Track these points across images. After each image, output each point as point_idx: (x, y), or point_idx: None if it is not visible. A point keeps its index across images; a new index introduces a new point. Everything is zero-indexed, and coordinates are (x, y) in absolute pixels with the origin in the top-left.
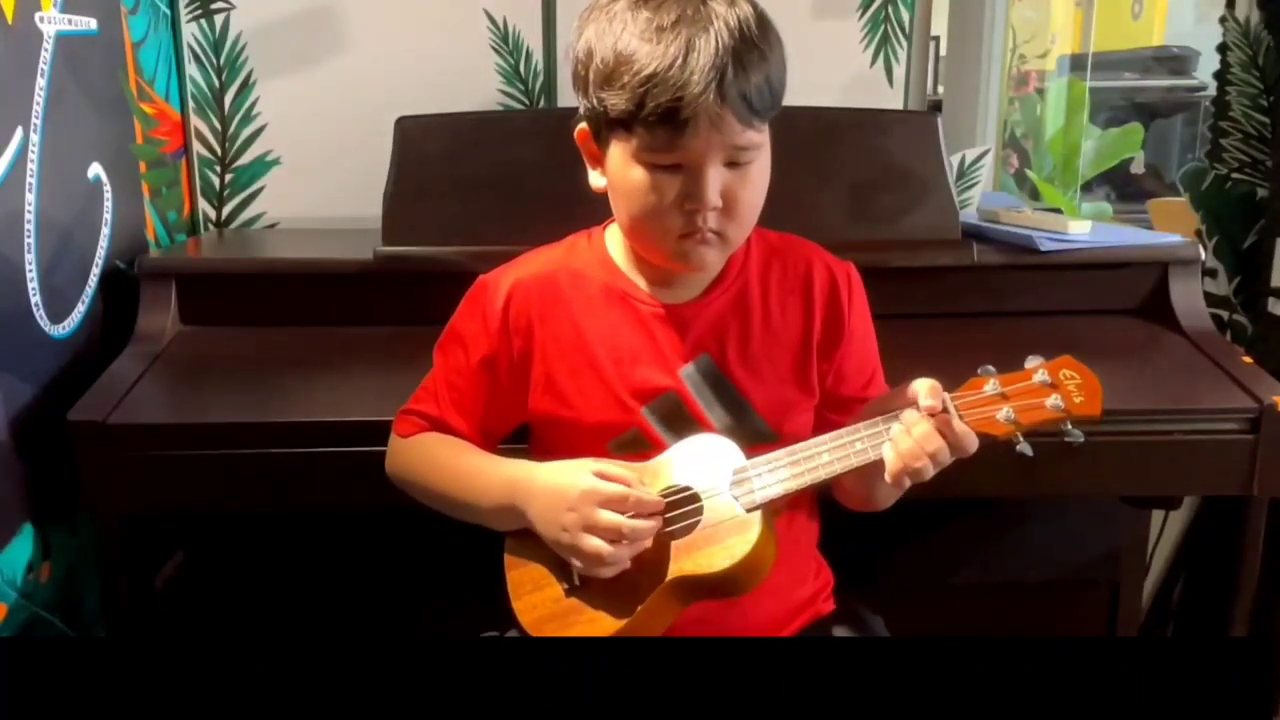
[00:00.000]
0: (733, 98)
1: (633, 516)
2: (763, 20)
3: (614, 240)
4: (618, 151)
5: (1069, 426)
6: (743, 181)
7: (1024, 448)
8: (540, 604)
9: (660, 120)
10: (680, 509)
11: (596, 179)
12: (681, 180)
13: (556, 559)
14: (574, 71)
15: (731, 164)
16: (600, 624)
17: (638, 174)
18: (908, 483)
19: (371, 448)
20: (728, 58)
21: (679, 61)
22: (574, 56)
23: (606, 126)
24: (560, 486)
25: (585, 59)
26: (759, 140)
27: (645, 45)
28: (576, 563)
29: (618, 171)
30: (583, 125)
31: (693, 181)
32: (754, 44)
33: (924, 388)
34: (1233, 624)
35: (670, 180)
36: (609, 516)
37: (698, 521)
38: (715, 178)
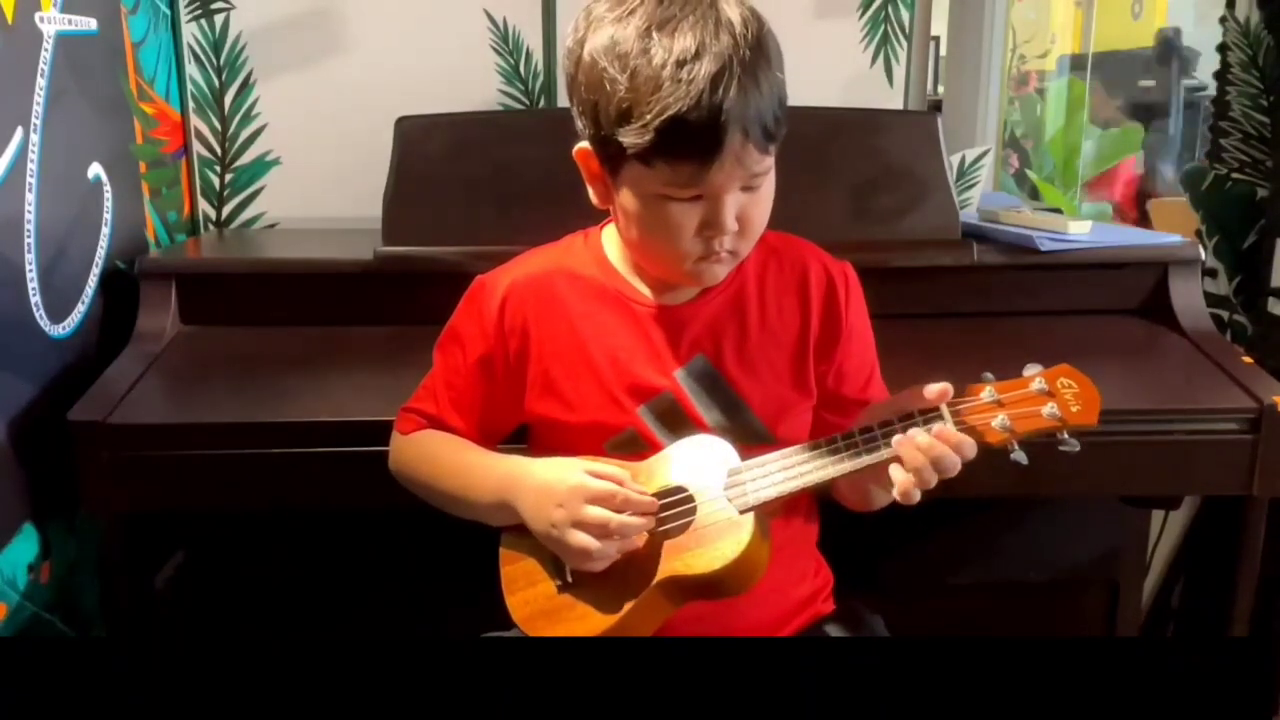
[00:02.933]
0: (755, 133)
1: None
2: (769, 36)
3: (611, 241)
4: (632, 182)
5: (1065, 435)
6: (755, 202)
7: (1019, 456)
8: (533, 599)
9: (685, 159)
10: (673, 509)
11: (596, 196)
12: (700, 209)
13: (550, 556)
14: (575, 91)
15: (746, 189)
16: (590, 621)
17: (655, 205)
18: (917, 496)
19: (371, 448)
20: (751, 91)
21: (705, 102)
22: (574, 75)
23: (620, 158)
24: (550, 482)
25: (592, 83)
26: (771, 163)
27: (668, 82)
28: (566, 559)
29: (631, 201)
30: (584, 146)
31: (713, 211)
32: (769, 66)
33: (931, 391)
34: (1233, 624)
35: (689, 210)
36: (596, 512)
37: (690, 522)
38: (733, 204)
